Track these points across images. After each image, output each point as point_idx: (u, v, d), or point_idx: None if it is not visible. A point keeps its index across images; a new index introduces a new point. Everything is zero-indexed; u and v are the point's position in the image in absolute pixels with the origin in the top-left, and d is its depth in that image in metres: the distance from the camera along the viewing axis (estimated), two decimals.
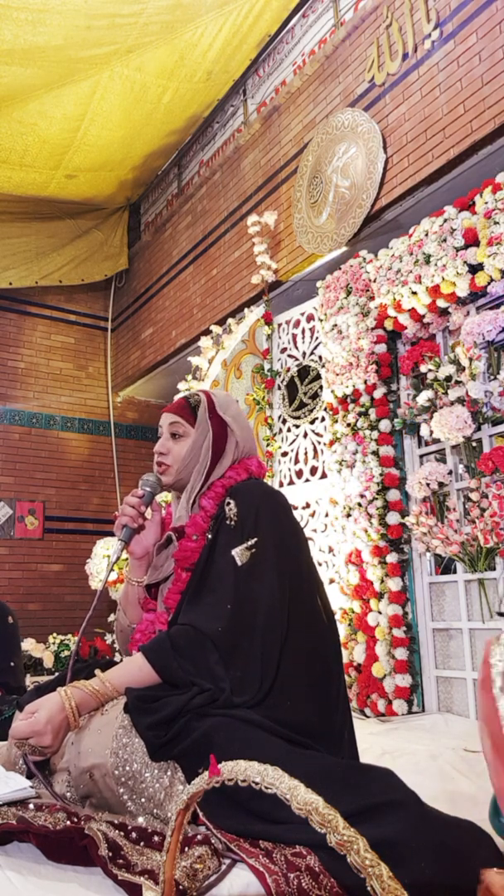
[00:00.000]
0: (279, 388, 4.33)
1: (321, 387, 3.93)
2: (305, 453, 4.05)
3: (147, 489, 1.59)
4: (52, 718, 1.25)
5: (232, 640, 1.33)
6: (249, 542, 1.41)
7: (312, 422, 4.01)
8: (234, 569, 1.39)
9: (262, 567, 1.40)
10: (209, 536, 1.50)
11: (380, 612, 3.19)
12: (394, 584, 3.15)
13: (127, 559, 1.65)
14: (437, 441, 3.19)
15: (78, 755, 1.25)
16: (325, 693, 1.40)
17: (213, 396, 1.63)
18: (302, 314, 4.23)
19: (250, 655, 1.32)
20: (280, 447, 4.21)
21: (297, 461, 4.11)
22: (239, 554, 1.40)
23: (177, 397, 4.59)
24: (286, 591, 1.40)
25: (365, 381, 3.40)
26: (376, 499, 3.25)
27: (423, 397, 3.10)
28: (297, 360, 4.23)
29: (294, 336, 4.28)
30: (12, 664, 2.75)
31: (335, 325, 3.63)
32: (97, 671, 1.35)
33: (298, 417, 4.12)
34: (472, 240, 2.90)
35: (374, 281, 3.41)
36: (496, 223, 2.77)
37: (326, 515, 3.76)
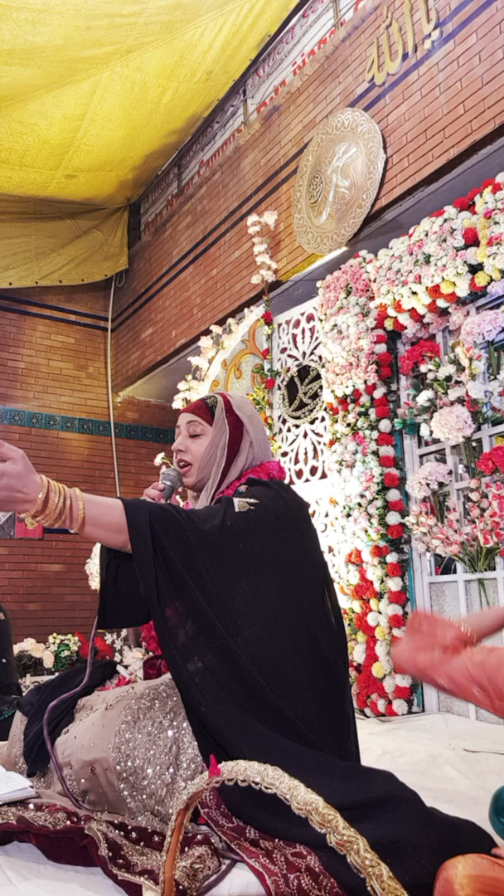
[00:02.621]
0: (279, 388, 4.33)
1: (321, 387, 3.93)
2: (305, 453, 4.05)
3: (168, 483, 1.61)
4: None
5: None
6: (251, 500, 1.41)
7: (312, 422, 4.01)
8: (230, 506, 1.39)
9: (257, 522, 1.38)
10: None
11: (380, 612, 3.19)
12: (394, 584, 3.15)
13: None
14: (437, 441, 3.19)
15: (80, 748, 1.26)
16: (330, 694, 1.39)
17: (229, 397, 1.66)
18: (302, 314, 4.23)
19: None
20: (280, 447, 4.21)
21: (297, 461, 4.10)
22: (238, 503, 1.40)
23: (177, 397, 4.62)
24: (274, 556, 1.39)
25: (365, 381, 3.40)
26: (376, 499, 3.25)
27: (423, 397, 3.10)
28: (297, 360, 4.23)
29: (294, 336, 4.28)
30: (4, 661, 2.77)
31: (335, 325, 3.63)
32: (76, 490, 1.24)
33: (298, 417, 4.12)
34: (472, 240, 2.90)
35: (374, 281, 3.41)
36: (496, 223, 2.77)
37: (326, 515, 3.76)
